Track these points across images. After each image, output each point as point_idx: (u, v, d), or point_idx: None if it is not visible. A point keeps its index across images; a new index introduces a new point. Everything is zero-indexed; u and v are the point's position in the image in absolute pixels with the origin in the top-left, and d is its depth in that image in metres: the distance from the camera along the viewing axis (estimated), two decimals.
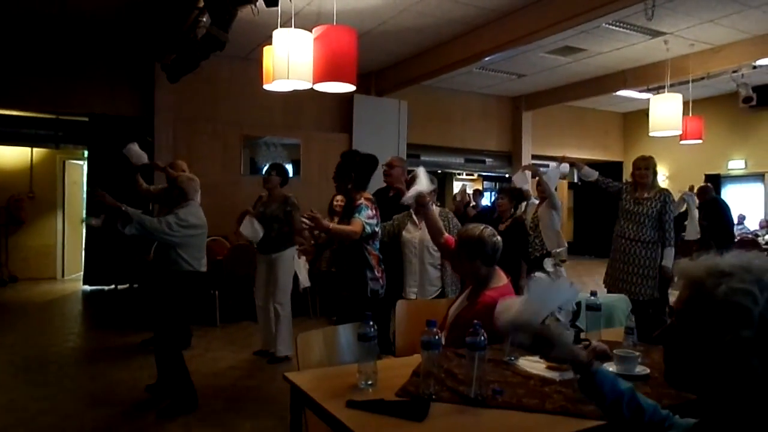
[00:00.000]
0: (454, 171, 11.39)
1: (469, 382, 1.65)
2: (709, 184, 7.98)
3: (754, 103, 8.75)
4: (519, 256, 4.45)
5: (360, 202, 3.12)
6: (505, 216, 4.72)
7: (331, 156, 8.78)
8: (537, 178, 4.92)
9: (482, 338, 1.61)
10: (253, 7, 4.54)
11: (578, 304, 2.07)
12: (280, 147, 8.55)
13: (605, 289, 4.41)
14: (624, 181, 4.52)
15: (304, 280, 4.94)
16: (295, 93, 4.52)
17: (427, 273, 3.65)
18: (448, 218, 3.81)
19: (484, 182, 13.54)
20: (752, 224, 10.08)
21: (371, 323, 1.71)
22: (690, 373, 0.90)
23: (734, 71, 8.19)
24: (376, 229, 3.17)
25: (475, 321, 1.63)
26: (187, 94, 7.45)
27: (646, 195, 4.15)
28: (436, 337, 1.65)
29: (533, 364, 1.93)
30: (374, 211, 3.16)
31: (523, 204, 5.08)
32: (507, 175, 11.92)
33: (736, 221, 10.41)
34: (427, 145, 9.97)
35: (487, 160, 11.04)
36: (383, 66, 8.49)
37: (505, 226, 4.62)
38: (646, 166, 4.19)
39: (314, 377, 1.83)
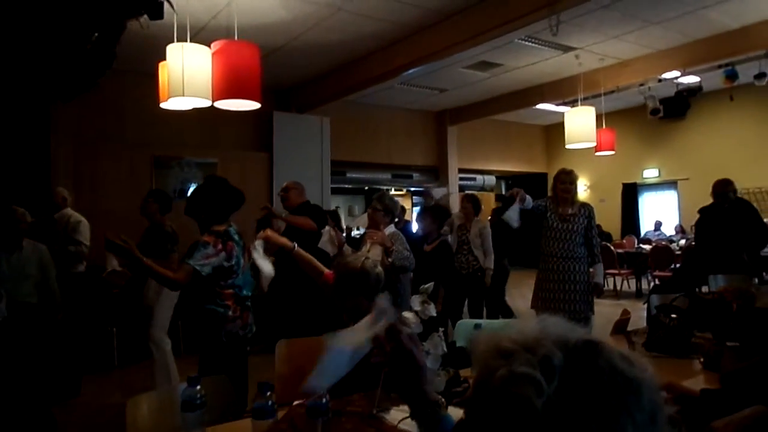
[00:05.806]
0: (381, 187, 11.26)
1: None
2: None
3: (661, 114, 9.14)
4: (445, 277, 4.32)
5: (204, 239, 2.66)
6: (432, 236, 4.51)
7: (251, 176, 8.44)
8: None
9: (325, 401, 1.39)
10: (138, 20, 4.20)
11: (452, 344, 1.89)
12: (195, 167, 8.11)
13: (535, 313, 4.25)
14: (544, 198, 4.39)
15: None
16: (211, 110, 4.18)
17: None
18: (399, 239, 3.62)
19: (413, 197, 13.51)
20: (668, 230, 10.48)
21: (198, 387, 1.45)
22: None
23: (641, 84, 8.51)
24: (225, 264, 2.67)
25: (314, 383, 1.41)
26: (89, 113, 6.93)
27: (570, 211, 3.99)
28: (269, 403, 1.41)
29: (404, 415, 1.72)
30: (218, 247, 2.64)
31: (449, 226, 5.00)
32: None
33: (653, 228, 10.82)
34: (353, 162, 9.81)
35: (414, 174, 10.99)
36: (300, 81, 8.26)
37: (432, 247, 4.45)
38: (570, 180, 4.02)
39: None
